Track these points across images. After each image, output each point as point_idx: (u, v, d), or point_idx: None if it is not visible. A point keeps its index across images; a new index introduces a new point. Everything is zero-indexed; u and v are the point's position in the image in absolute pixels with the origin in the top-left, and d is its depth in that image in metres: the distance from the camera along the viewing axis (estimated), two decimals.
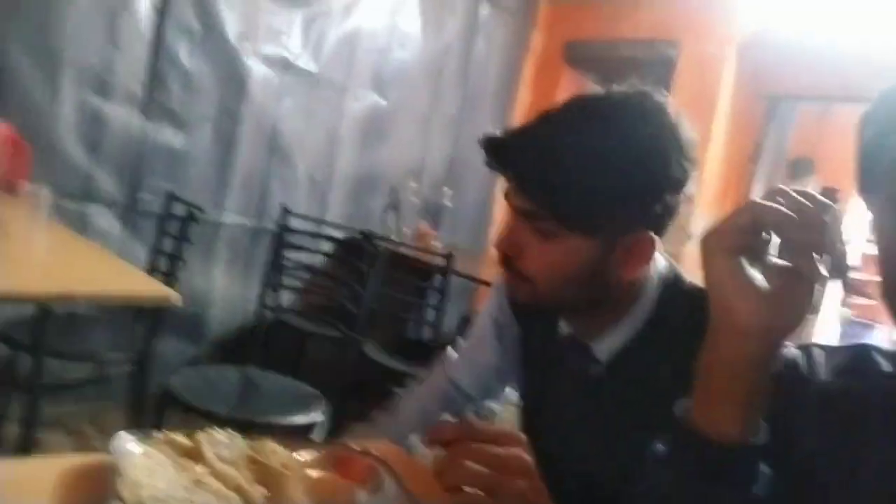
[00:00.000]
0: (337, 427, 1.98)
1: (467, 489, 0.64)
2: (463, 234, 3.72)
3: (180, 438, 0.78)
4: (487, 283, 2.53)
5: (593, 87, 0.89)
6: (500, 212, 3.70)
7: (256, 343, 2.44)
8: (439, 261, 2.64)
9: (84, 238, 2.16)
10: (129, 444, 0.75)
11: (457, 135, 3.68)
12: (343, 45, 3.17)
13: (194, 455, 0.76)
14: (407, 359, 2.56)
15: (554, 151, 0.82)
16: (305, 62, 3.08)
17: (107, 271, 1.71)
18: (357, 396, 2.60)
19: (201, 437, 0.79)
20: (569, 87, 3.85)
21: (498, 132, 0.87)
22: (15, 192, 2.07)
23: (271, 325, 2.61)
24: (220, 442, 0.80)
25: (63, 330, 2.11)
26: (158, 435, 0.78)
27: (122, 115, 2.62)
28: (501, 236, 0.88)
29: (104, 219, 2.64)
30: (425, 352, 2.52)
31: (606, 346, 0.90)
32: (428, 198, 3.58)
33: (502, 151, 0.87)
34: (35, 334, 1.63)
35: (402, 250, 2.92)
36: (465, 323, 3.59)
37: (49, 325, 1.63)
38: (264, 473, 0.76)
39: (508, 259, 0.87)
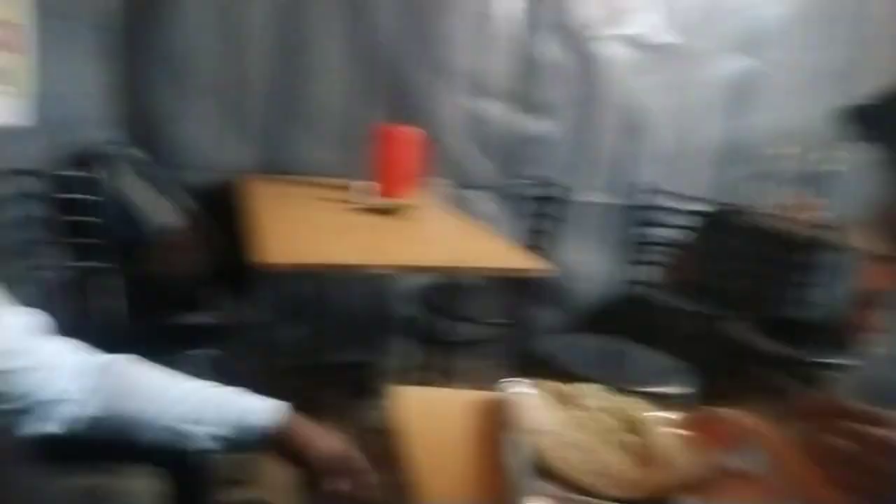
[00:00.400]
0: (701, 403, 1.97)
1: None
2: (860, 203, 3.25)
3: (562, 386, 0.92)
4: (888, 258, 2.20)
5: None
6: None
7: (620, 315, 2.54)
8: (824, 234, 2.38)
9: (473, 220, 2.53)
10: (519, 387, 0.92)
11: (846, 90, 3.22)
12: (707, 11, 3.05)
13: (572, 402, 0.89)
14: (783, 340, 2.39)
15: None
16: (665, 36, 3.05)
17: (495, 248, 2.00)
18: (722, 374, 2.52)
19: (577, 388, 0.92)
20: None
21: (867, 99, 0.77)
22: (420, 184, 2.53)
23: (634, 298, 2.68)
24: (595, 394, 0.92)
25: (461, 297, 2.52)
26: (542, 382, 0.94)
27: (498, 112, 2.97)
28: None
29: (487, 203, 3.04)
30: (802, 332, 2.31)
31: None
32: (810, 165, 3.22)
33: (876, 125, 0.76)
34: (443, 300, 2.01)
35: (774, 223, 2.70)
36: (853, 303, 3.15)
37: (452, 292, 1.98)
38: (634, 425, 0.85)
39: None
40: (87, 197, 1.97)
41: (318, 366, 1.87)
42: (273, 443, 0.87)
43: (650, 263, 2.69)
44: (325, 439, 0.86)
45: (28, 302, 0.88)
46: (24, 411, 0.85)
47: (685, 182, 3.14)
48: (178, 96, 2.60)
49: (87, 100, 2.29)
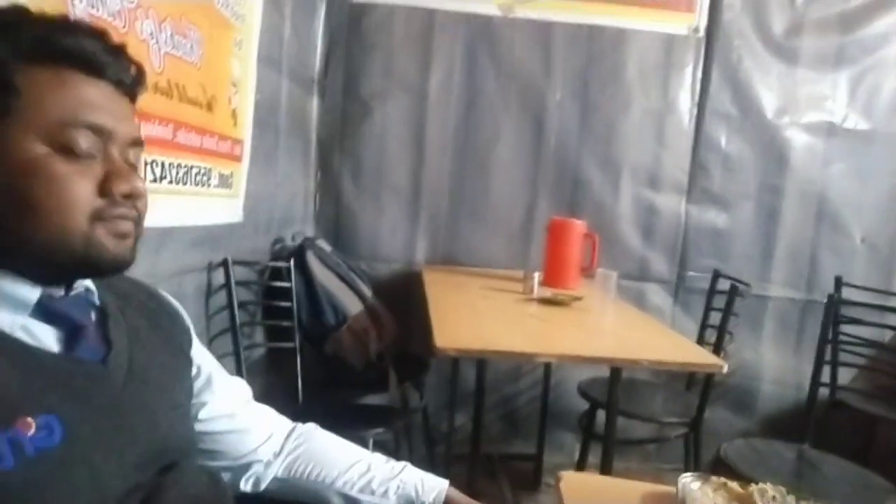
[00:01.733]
0: None
1: None
2: None
3: (734, 486, 0.88)
4: None
5: None
6: None
7: (812, 422, 2.31)
8: None
9: (643, 312, 2.48)
10: (692, 483, 0.89)
11: None
12: None
13: (745, 501, 0.84)
14: None
15: None
16: (855, 122, 2.87)
17: (663, 341, 1.94)
18: None
19: (754, 488, 0.87)
20: None
21: None
22: (590, 275, 2.54)
23: (829, 404, 2.43)
24: (772, 497, 0.86)
25: (628, 392, 2.44)
26: (716, 479, 0.90)
27: (669, 203, 2.93)
28: None
29: (658, 295, 2.96)
30: None
31: None
32: None
33: None
34: (609, 393, 1.96)
35: None
36: None
37: (618, 386, 1.93)
38: None
39: None
40: (283, 284, 2.22)
41: (480, 455, 1.89)
42: None
43: (847, 365, 2.43)
44: None
45: (231, 374, 1.02)
46: (227, 469, 0.97)
47: (878, 277, 2.86)
48: (365, 195, 2.88)
49: (291, 200, 2.61)
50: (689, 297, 2.94)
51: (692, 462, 2.34)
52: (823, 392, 2.36)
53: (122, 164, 0.69)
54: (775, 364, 2.94)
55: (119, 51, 0.70)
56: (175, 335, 0.87)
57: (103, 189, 0.66)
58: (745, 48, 2.84)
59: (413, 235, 2.91)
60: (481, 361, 1.85)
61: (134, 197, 0.69)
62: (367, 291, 2.63)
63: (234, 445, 0.95)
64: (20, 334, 0.64)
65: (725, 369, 1.65)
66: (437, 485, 0.95)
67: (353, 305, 2.54)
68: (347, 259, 2.73)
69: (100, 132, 0.67)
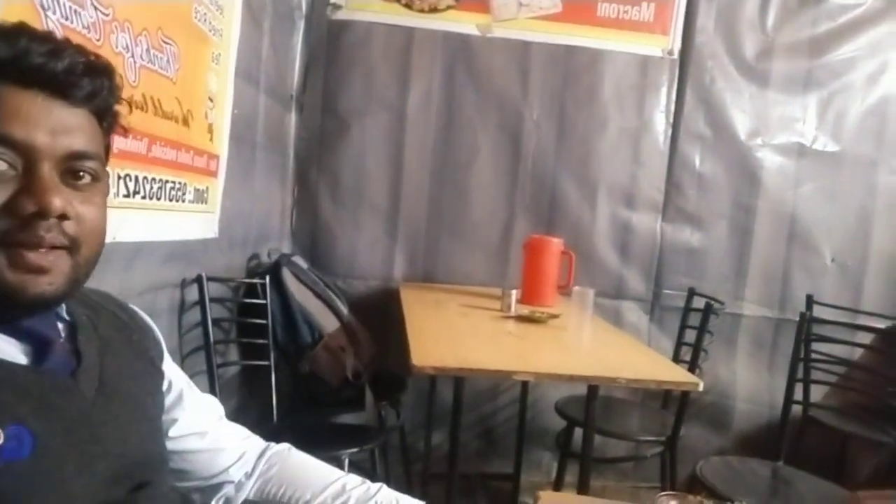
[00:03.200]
0: None
1: None
2: None
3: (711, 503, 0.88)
4: None
5: None
6: None
7: (785, 439, 2.33)
8: None
9: (619, 330, 2.49)
10: (668, 501, 0.89)
11: None
12: (869, 117, 2.92)
13: None
14: None
15: None
16: (824, 144, 2.94)
17: (640, 359, 1.95)
18: None
19: None
20: None
21: None
22: (567, 292, 2.55)
23: (802, 421, 2.46)
24: None
25: (605, 411, 2.44)
26: (693, 498, 0.90)
27: (645, 221, 2.96)
28: None
29: (634, 313, 2.98)
30: None
31: None
32: None
33: None
34: (586, 412, 1.96)
35: None
36: None
37: (595, 404, 1.93)
38: None
39: None
40: (258, 301, 2.19)
41: (457, 474, 1.87)
42: None
43: (819, 383, 2.47)
44: None
45: (204, 392, 0.99)
46: (197, 490, 0.94)
47: (857, 295, 2.91)
48: (343, 211, 2.87)
49: (268, 216, 2.59)
50: (664, 314, 2.97)
51: (668, 480, 2.35)
52: (797, 409, 2.39)
53: (40, 180, 0.61)
54: (749, 382, 2.97)
55: (60, 55, 0.63)
56: (146, 348, 0.85)
57: (9, 208, 0.59)
58: (717, 70, 2.90)
59: (391, 252, 2.90)
60: (458, 379, 1.83)
61: (52, 216, 0.61)
62: (344, 309, 2.61)
63: (204, 465, 0.93)
64: None
65: (701, 387, 1.66)
66: None
67: (329, 323, 2.51)
68: (324, 276, 2.71)
69: (16, 146, 0.60)
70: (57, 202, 0.61)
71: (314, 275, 2.63)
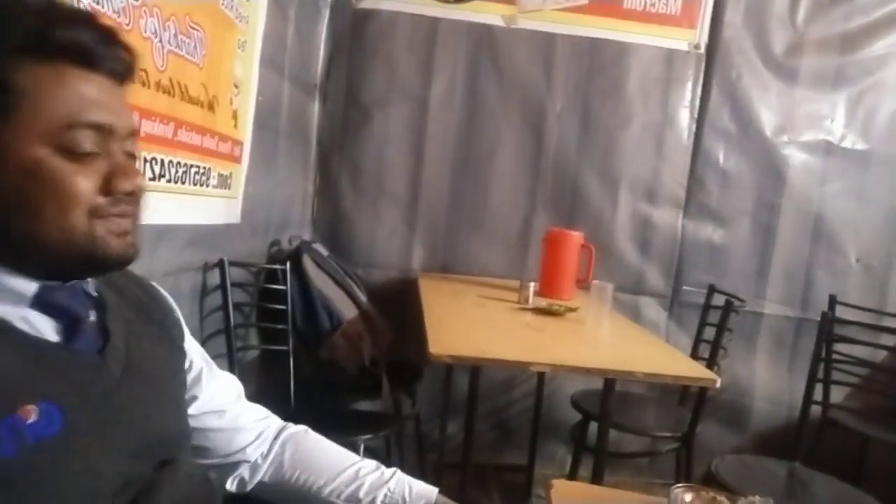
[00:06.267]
0: None
1: None
2: None
3: (725, 499, 0.88)
4: None
5: None
6: None
7: (803, 440, 2.31)
8: None
9: (637, 325, 2.48)
10: (682, 494, 0.89)
11: None
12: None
13: None
14: None
15: None
16: (852, 142, 2.89)
17: (657, 354, 1.94)
18: None
19: (743, 501, 0.87)
20: None
21: None
22: (585, 286, 2.55)
23: (821, 422, 2.43)
24: None
25: (621, 405, 2.44)
26: (707, 492, 0.89)
27: (666, 217, 2.94)
28: None
29: (653, 308, 2.96)
30: None
31: None
32: None
33: None
34: (602, 405, 1.96)
35: None
36: None
37: (611, 398, 1.93)
38: None
39: None
40: (278, 287, 2.22)
41: (471, 465, 1.89)
42: None
43: (840, 384, 2.44)
44: None
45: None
46: (214, 467, 0.96)
47: (872, 296, 2.87)
48: (364, 200, 2.88)
49: (290, 203, 2.62)
50: (683, 311, 2.95)
51: (683, 476, 2.34)
52: (816, 410, 2.36)
53: (124, 161, 0.69)
54: (768, 381, 2.94)
55: (112, 38, 0.68)
56: (169, 328, 0.86)
57: (106, 187, 0.66)
58: (744, 66, 2.86)
59: (410, 242, 2.91)
60: (475, 369, 1.84)
61: (136, 194, 0.69)
62: (363, 297, 2.63)
63: (222, 443, 0.95)
64: (21, 324, 0.64)
65: (718, 384, 1.65)
66: (426, 493, 0.95)
67: (348, 310, 2.53)
68: (344, 264, 2.72)
69: (100, 130, 0.66)
70: (142, 182, 0.70)
71: (334, 262, 2.65)
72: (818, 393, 2.35)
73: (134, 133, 0.71)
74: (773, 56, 2.86)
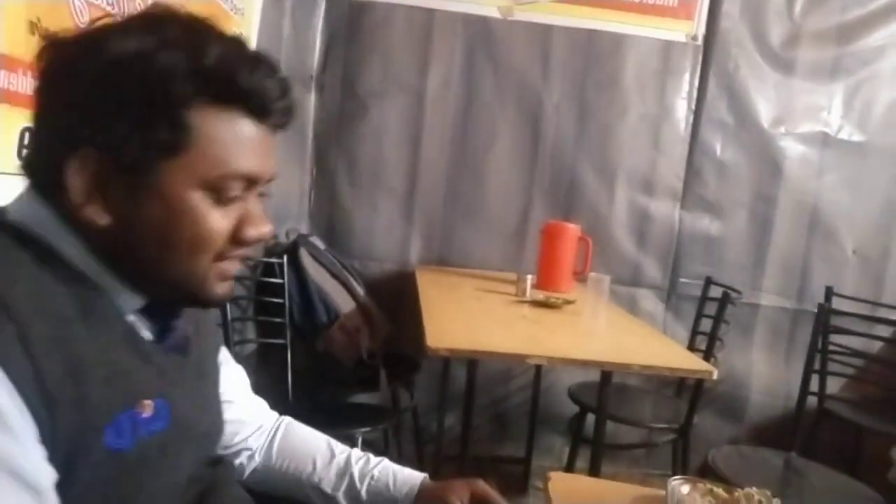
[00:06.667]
0: None
1: None
2: None
3: (722, 490, 0.88)
4: None
5: None
6: None
7: (800, 430, 2.32)
8: None
9: (634, 317, 2.49)
10: (679, 486, 0.89)
11: None
12: (892, 108, 2.87)
13: None
14: None
15: None
16: (849, 133, 2.89)
17: (654, 346, 1.94)
18: None
19: (740, 493, 0.87)
20: None
21: None
22: (583, 279, 2.55)
23: (817, 413, 2.44)
24: (758, 502, 0.86)
25: (618, 397, 2.44)
26: (704, 484, 0.90)
27: (663, 209, 2.94)
28: None
29: (650, 301, 2.97)
30: None
31: None
32: None
33: None
34: (599, 397, 1.96)
35: None
36: None
37: (609, 390, 1.93)
38: None
39: None
40: (276, 281, 2.21)
41: (469, 457, 1.89)
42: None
43: (836, 375, 2.45)
44: (459, 489, 0.91)
45: None
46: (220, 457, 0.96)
47: (868, 288, 2.87)
48: (361, 193, 2.87)
49: (286, 196, 2.61)
50: (680, 303, 2.95)
51: (680, 468, 2.35)
52: (812, 401, 2.37)
53: (258, 209, 0.69)
54: (765, 372, 2.95)
55: (287, 91, 0.67)
56: (212, 333, 0.90)
57: (237, 234, 0.67)
58: (742, 57, 2.85)
59: (407, 235, 2.91)
60: (472, 362, 1.84)
61: (260, 241, 0.70)
62: (360, 290, 2.63)
63: (228, 434, 0.95)
64: (133, 321, 0.68)
65: (715, 375, 1.66)
66: (412, 479, 0.95)
67: (345, 303, 2.53)
68: (341, 257, 2.72)
69: (252, 180, 0.67)
70: (270, 230, 0.71)
71: (331, 255, 2.65)
72: (815, 384, 2.36)
73: (272, 178, 0.71)
74: (771, 47, 2.85)
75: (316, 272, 2.51)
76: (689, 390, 2.41)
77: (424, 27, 2.81)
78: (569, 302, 2.25)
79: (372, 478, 0.94)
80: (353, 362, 2.48)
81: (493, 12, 2.82)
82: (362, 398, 2.59)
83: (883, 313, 2.68)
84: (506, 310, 2.15)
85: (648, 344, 1.97)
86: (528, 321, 2.05)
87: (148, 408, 0.63)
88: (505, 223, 2.92)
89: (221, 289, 0.68)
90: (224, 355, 0.95)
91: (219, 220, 0.64)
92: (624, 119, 2.88)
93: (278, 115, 0.67)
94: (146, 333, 0.69)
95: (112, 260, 0.64)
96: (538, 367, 2.74)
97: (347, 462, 0.96)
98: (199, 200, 0.63)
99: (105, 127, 0.60)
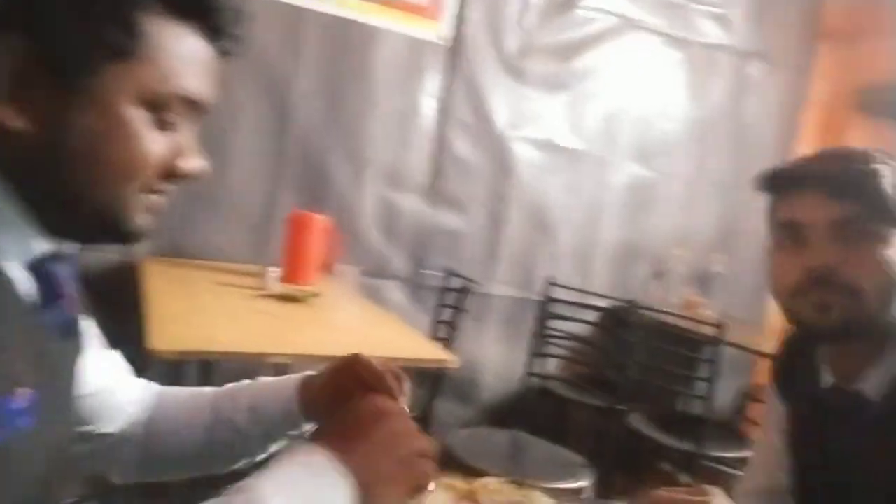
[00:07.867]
0: (601, 496, 1.97)
1: None
2: (737, 303, 3.47)
3: (460, 483, 0.89)
4: (765, 355, 2.33)
5: None
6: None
7: (523, 408, 2.55)
8: (709, 331, 2.51)
9: (381, 308, 2.51)
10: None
11: (728, 199, 3.51)
12: (606, 121, 3.29)
13: (471, 498, 0.86)
14: (678, 434, 2.45)
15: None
16: (569, 141, 3.24)
17: (398, 337, 1.97)
18: (622, 467, 2.55)
19: (478, 483, 0.90)
20: (862, 137, 3.45)
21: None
22: (330, 271, 2.50)
23: (537, 391, 2.70)
24: (495, 490, 0.89)
25: None
26: (442, 479, 0.90)
27: (410, 203, 3.02)
28: (812, 255, 0.85)
29: (396, 292, 3.03)
30: (697, 427, 2.40)
31: (876, 382, 0.85)
32: (696, 265, 3.45)
33: (798, 173, 0.92)
34: None
35: (669, 319, 2.84)
36: (744, 399, 3.31)
37: None
38: None
39: (823, 276, 0.83)
40: None
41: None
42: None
43: (553, 356, 2.74)
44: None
45: None
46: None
47: (587, 279, 3.27)
48: None
49: None
50: (424, 294, 3.05)
51: None
52: (534, 381, 2.62)
53: (194, 142, 0.64)
54: (497, 357, 3.18)
55: (240, 17, 0.63)
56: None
57: (169, 165, 0.62)
58: (482, 62, 3.04)
59: None
60: (206, 365, 1.69)
61: (191, 177, 0.65)
62: (80, 286, 2.26)
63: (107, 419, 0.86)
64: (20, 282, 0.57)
65: (457, 364, 1.72)
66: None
67: None
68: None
69: (195, 106, 0.62)
70: (205, 166, 0.67)
71: None
72: (537, 366, 2.61)
73: (209, 111, 0.65)
74: (506, 55, 3.08)
75: None
76: (429, 378, 2.51)
77: None
78: (314, 295, 2.19)
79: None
80: None
81: None
82: None
83: (591, 301, 3.06)
84: (246, 305, 2.02)
85: (393, 335, 2.00)
86: (269, 316, 1.94)
87: (21, 398, 0.54)
88: (248, 211, 2.75)
89: (142, 220, 0.62)
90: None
91: (156, 144, 0.59)
92: (374, 112, 2.89)
93: (230, 40, 0.64)
94: (29, 295, 0.58)
95: (17, 176, 0.55)
96: (283, 366, 2.63)
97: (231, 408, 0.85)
98: (137, 118, 0.57)
99: (47, 14, 0.53)
